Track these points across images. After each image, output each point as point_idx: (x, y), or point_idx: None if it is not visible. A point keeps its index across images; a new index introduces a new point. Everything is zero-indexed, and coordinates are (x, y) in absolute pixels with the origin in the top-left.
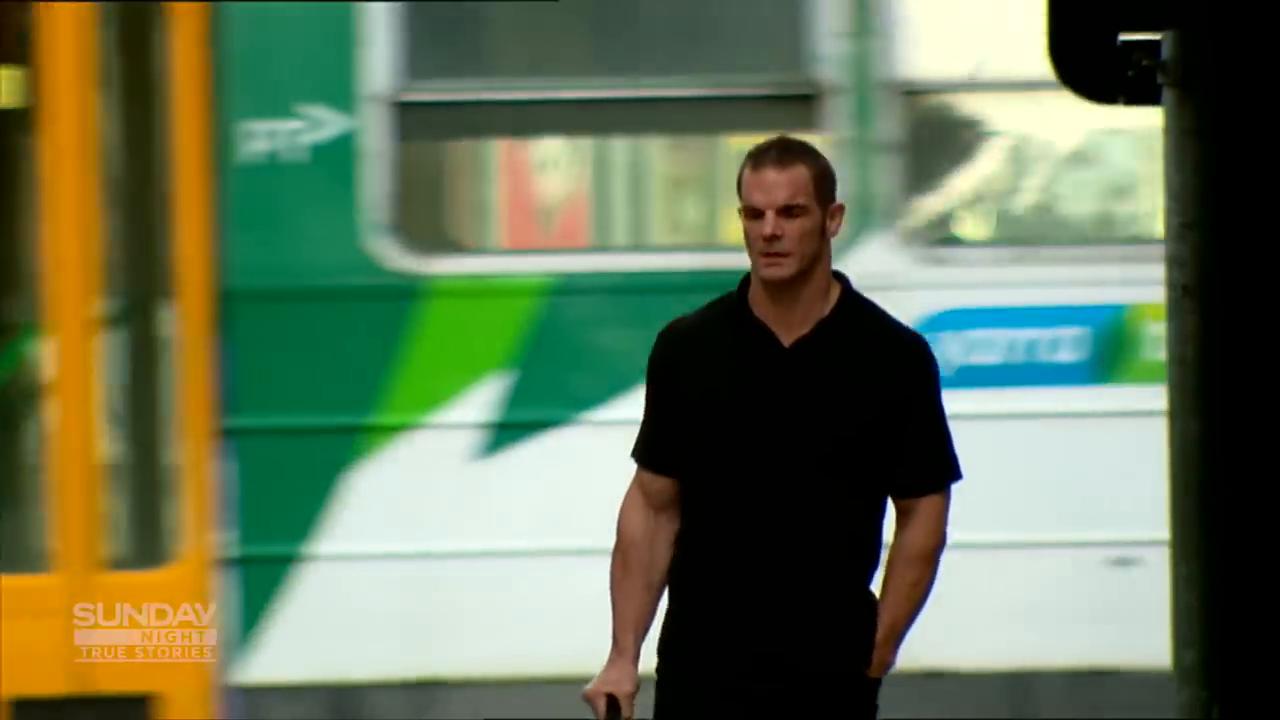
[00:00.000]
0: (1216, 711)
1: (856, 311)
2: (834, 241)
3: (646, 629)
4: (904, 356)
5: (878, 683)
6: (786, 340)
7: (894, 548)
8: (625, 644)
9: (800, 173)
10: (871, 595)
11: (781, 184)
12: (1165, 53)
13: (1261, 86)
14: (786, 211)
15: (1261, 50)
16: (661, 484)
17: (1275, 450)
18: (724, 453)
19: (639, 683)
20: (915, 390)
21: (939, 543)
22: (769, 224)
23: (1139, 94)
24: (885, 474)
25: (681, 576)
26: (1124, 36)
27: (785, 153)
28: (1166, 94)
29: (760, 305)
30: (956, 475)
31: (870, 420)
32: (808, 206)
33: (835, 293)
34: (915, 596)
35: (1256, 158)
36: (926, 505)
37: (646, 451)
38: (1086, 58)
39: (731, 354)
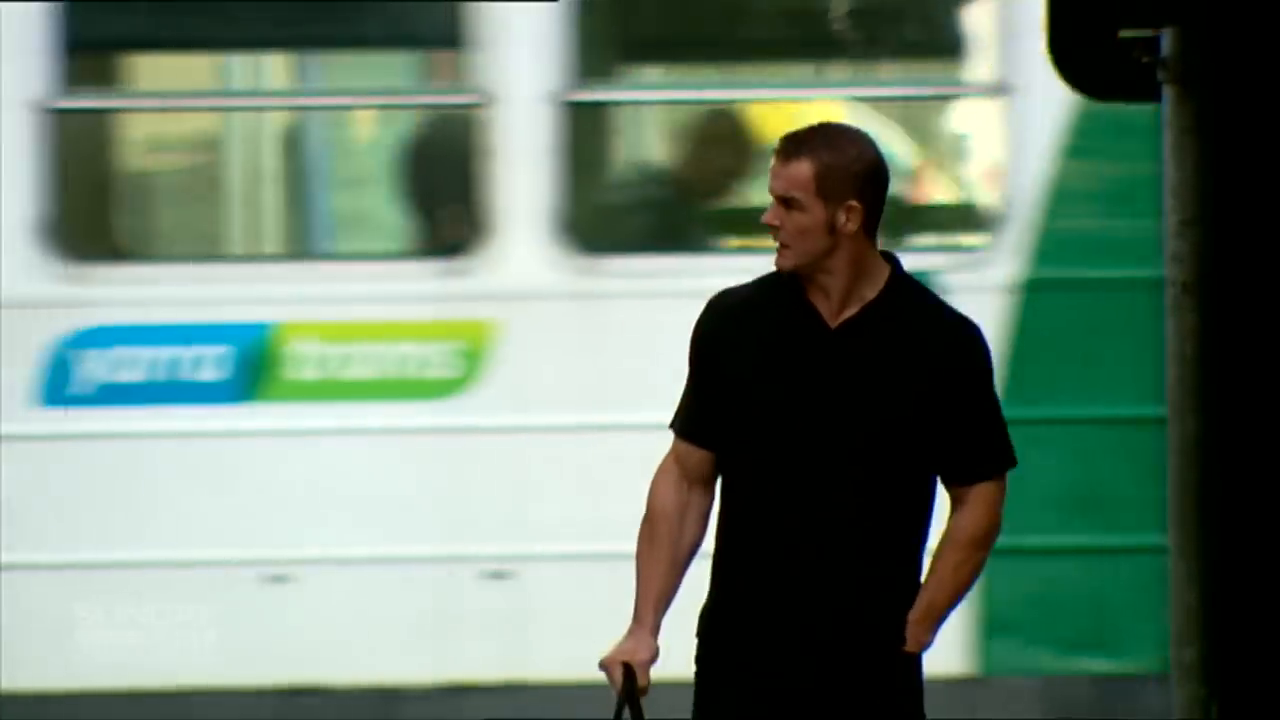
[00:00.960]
0: (1215, 709)
1: (905, 295)
2: None
3: (668, 603)
4: (953, 341)
5: (918, 661)
6: (833, 322)
7: (945, 531)
8: (645, 615)
9: (800, 168)
10: (916, 577)
11: (779, 176)
12: (1165, 49)
13: (1261, 84)
14: (784, 203)
15: (1261, 47)
16: (699, 457)
17: (1274, 448)
18: (765, 431)
19: (656, 651)
20: (963, 376)
21: (989, 530)
22: (769, 211)
23: (1139, 91)
24: (933, 459)
25: (721, 558)
26: (1124, 33)
27: (791, 143)
28: (1166, 91)
29: (809, 288)
30: (1010, 463)
31: (914, 405)
32: (803, 203)
33: (883, 276)
34: (958, 580)
35: (1256, 155)
36: (978, 493)
37: (686, 422)
38: (1086, 54)
39: (779, 332)
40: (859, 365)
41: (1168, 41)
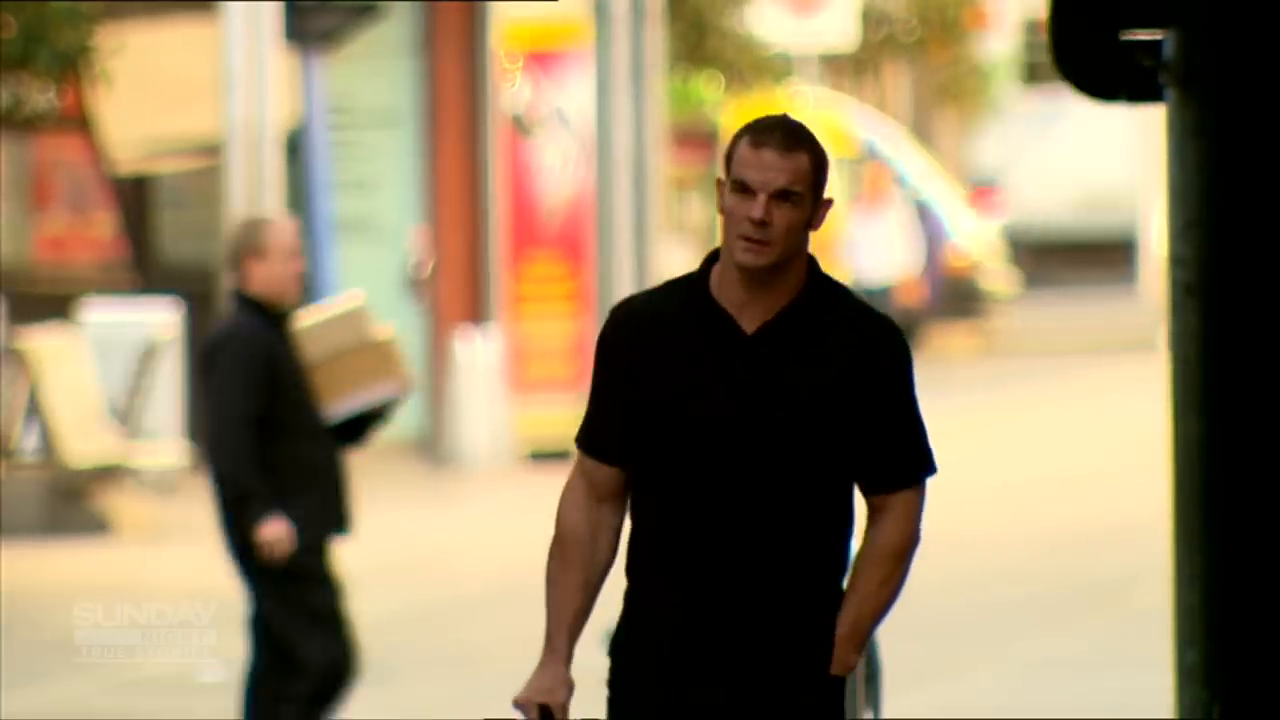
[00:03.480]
0: (1217, 711)
1: (823, 296)
2: None
3: (581, 628)
4: (873, 342)
5: (841, 683)
6: (749, 327)
7: (864, 544)
8: (559, 644)
9: (802, 160)
10: (838, 592)
11: (784, 169)
12: (1167, 52)
13: (1263, 86)
14: (781, 197)
15: (1262, 50)
16: (608, 473)
17: (1277, 450)
18: (683, 444)
19: (572, 686)
20: (885, 378)
21: (911, 540)
22: (759, 207)
23: (1142, 93)
24: (854, 467)
25: (637, 573)
26: (1127, 36)
27: (790, 136)
28: (1169, 93)
29: (725, 290)
30: (930, 469)
31: (838, 410)
32: (803, 196)
33: (802, 277)
34: (883, 595)
35: (1258, 156)
36: (898, 501)
37: (595, 438)
38: (1089, 57)
39: (691, 341)
40: (777, 372)
41: (1170, 44)
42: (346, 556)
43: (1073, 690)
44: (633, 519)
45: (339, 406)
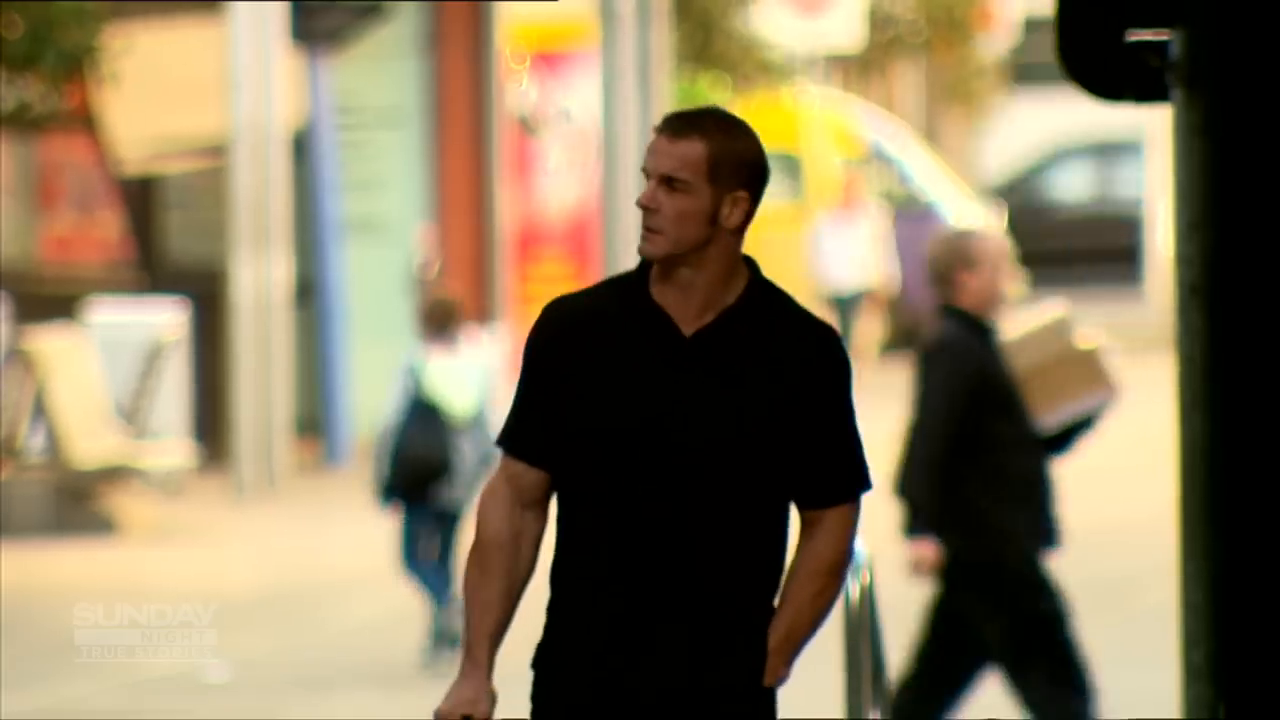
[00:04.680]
0: (1223, 710)
1: (765, 300)
2: None
3: (501, 638)
4: (816, 349)
5: (772, 694)
6: (687, 329)
7: (797, 558)
8: (480, 656)
9: (693, 147)
10: (772, 606)
11: (666, 154)
12: (1174, 52)
13: (1268, 86)
14: (668, 184)
15: (1269, 50)
16: (535, 477)
17: None
18: (613, 449)
19: (495, 698)
20: (827, 387)
21: (845, 557)
22: (645, 192)
23: (1148, 92)
24: (790, 480)
25: (563, 582)
26: (1134, 36)
27: (684, 123)
28: (1175, 93)
29: (660, 289)
30: (866, 485)
31: (776, 419)
32: (691, 184)
33: (742, 280)
34: (817, 608)
35: (1263, 156)
36: (835, 516)
37: (523, 440)
38: (1096, 56)
39: (628, 342)
40: (717, 376)
41: (1176, 44)
42: (348, 557)
43: None
44: (559, 526)
45: (1052, 417)
